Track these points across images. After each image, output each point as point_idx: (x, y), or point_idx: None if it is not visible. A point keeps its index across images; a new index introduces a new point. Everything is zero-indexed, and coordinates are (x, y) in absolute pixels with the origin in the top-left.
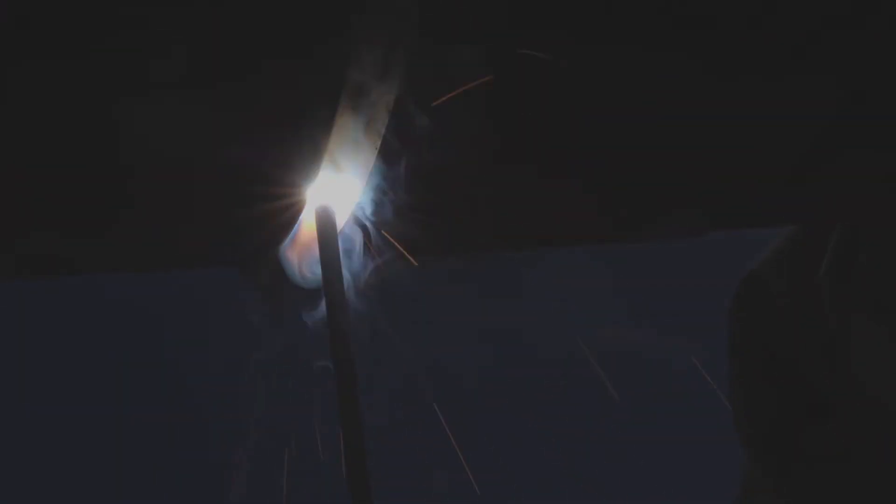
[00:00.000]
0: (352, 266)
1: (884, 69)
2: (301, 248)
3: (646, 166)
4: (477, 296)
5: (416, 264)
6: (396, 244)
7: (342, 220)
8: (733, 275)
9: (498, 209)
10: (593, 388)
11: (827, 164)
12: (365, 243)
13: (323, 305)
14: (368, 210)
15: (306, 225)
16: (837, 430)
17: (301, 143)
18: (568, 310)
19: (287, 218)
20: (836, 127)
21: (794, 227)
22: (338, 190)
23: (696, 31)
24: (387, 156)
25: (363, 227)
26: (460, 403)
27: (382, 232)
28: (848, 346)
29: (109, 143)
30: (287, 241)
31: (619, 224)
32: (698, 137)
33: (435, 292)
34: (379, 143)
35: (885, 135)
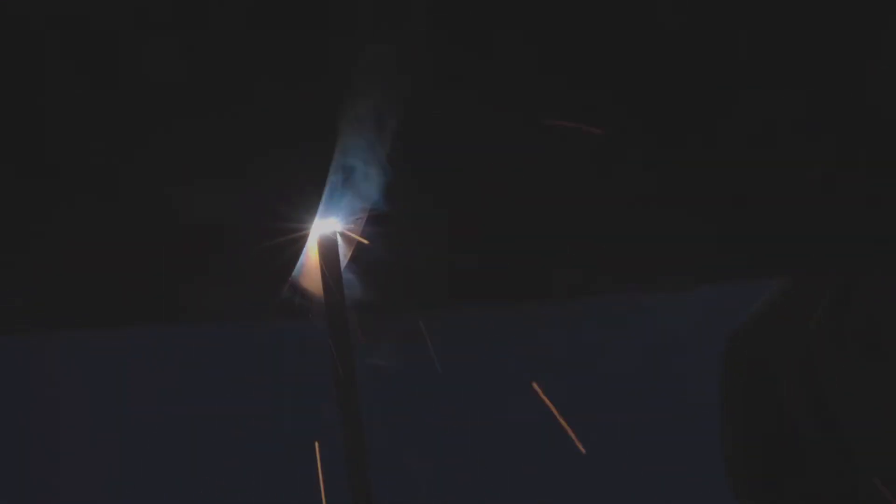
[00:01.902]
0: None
1: (868, 131)
2: (306, 277)
3: (636, 222)
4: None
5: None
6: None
7: (345, 249)
8: (724, 327)
9: (495, 261)
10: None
11: (818, 219)
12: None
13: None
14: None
15: (311, 255)
16: (822, 479)
17: (302, 181)
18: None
19: (293, 251)
20: (827, 182)
21: (783, 282)
22: (339, 222)
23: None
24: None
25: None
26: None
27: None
28: (837, 393)
29: (127, 197)
30: (295, 271)
31: (610, 279)
32: (690, 193)
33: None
34: (379, 181)
35: (874, 192)
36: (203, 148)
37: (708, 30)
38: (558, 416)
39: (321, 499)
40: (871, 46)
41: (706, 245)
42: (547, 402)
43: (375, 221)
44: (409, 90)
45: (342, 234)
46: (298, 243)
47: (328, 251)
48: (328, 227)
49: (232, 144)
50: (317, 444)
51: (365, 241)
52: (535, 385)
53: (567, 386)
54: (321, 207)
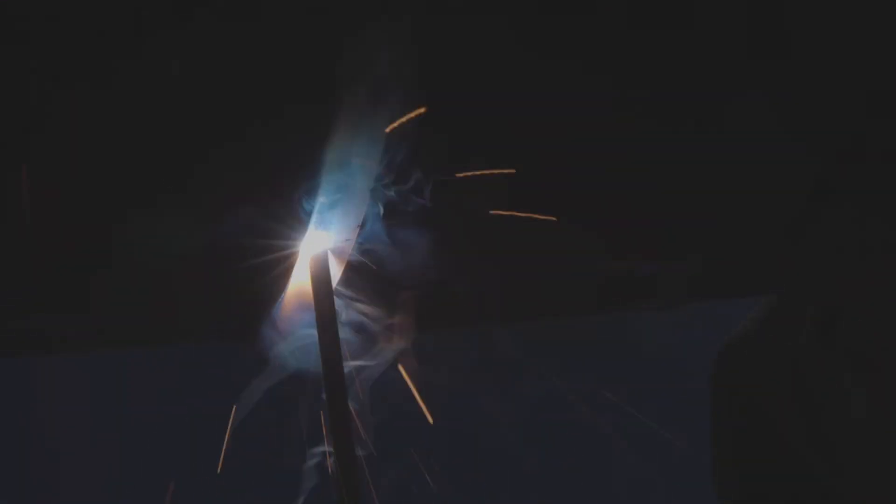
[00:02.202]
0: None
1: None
2: (296, 296)
3: (626, 239)
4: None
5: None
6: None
7: (335, 268)
8: (715, 343)
9: (486, 281)
10: None
11: (804, 237)
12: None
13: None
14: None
15: (301, 273)
16: (813, 497)
17: (293, 200)
18: None
19: (283, 268)
20: (815, 201)
21: (771, 297)
22: (329, 240)
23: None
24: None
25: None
26: None
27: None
28: (828, 410)
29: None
30: (284, 290)
31: (602, 296)
32: (682, 212)
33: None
34: (367, 196)
35: (861, 209)
36: (190, 164)
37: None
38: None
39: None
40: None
41: (694, 264)
42: None
43: (368, 239)
44: (402, 108)
45: (333, 252)
46: (288, 261)
47: (319, 269)
48: (319, 244)
49: (219, 160)
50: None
51: (357, 260)
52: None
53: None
54: (311, 224)
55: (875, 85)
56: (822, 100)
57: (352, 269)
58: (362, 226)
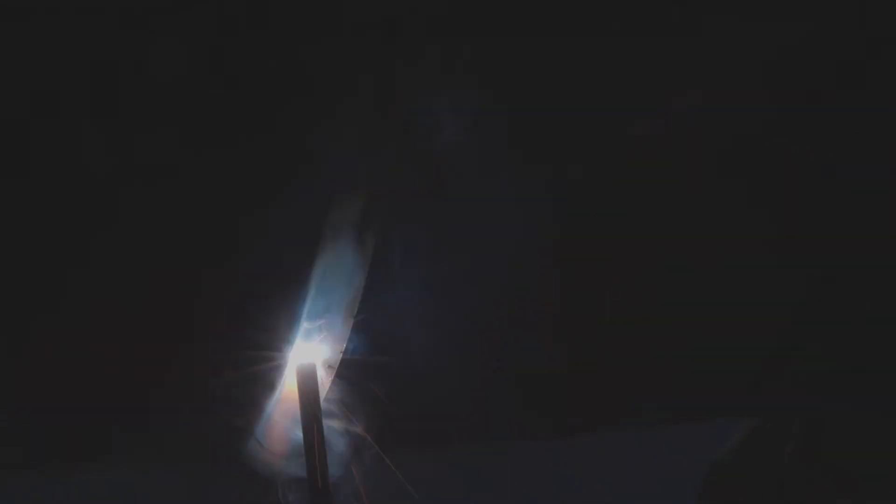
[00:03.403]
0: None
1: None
2: (285, 404)
3: (620, 362)
4: None
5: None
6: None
7: (323, 378)
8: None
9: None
10: None
11: (788, 362)
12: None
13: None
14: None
15: (290, 383)
16: None
17: (281, 310)
18: None
19: (271, 377)
20: (798, 328)
21: (756, 419)
22: (318, 350)
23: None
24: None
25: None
26: None
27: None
28: None
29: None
30: (273, 399)
31: (591, 415)
32: (673, 338)
33: None
34: (355, 310)
35: (842, 339)
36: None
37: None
38: None
39: None
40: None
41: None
42: None
43: (357, 348)
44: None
45: (322, 364)
46: (275, 372)
47: (306, 381)
48: (307, 355)
49: (203, 262)
50: None
51: (346, 372)
52: None
53: None
54: (299, 333)
55: None
56: None
57: (340, 381)
58: (349, 340)
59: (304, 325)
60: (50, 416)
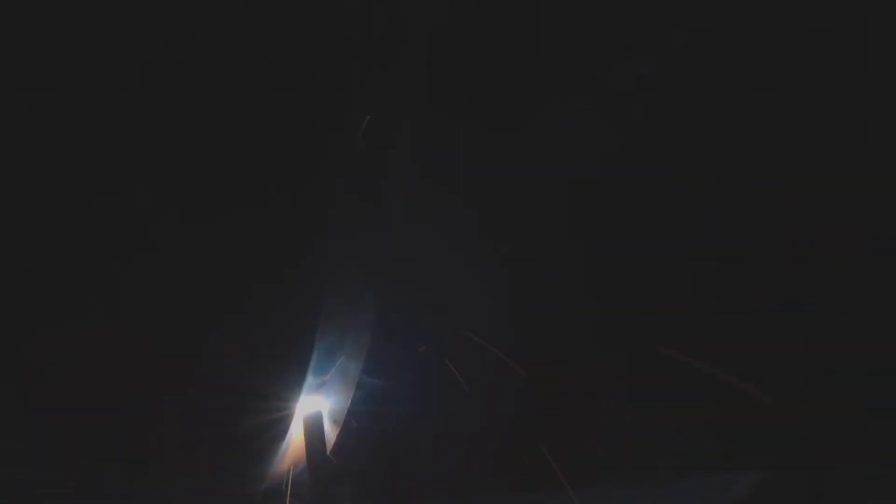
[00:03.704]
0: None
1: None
2: (292, 455)
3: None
4: None
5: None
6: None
7: (330, 428)
8: None
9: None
10: None
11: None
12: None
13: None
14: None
15: (297, 433)
16: None
17: (288, 361)
18: None
19: (279, 428)
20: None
21: (762, 468)
22: (324, 401)
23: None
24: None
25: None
26: None
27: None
28: None
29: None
30: (280, 450)
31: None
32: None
33: None
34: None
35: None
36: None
37: None
38: None
39: None
40: None
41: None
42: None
43: (365, 401)
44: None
45: (329, 415)
46: (281, 424)
47: (313, 432)
48: (313, 405)
49: (206, 312)
50: None
51: (354, 422)
52: None
53: None
54: (306, 384)
55: None
56: None
57: (347, 433)
58: (356, 392)
59: (311, 378)
60: (56, 465)
